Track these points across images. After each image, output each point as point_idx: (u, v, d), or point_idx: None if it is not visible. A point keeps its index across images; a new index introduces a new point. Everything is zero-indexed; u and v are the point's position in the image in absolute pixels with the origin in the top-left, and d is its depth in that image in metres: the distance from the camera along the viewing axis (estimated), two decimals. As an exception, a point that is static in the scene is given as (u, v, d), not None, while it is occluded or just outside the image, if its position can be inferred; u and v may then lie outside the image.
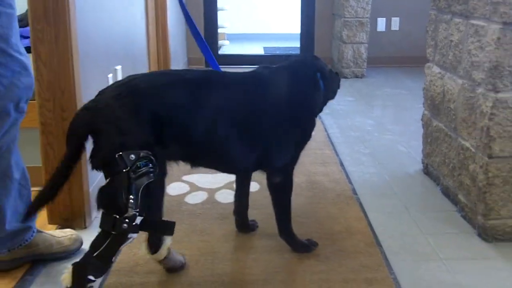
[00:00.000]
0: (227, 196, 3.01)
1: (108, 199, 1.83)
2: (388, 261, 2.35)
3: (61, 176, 1.90)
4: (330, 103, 2.61)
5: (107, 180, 1.82)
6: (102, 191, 1.83)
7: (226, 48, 8.81)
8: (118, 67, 3.30)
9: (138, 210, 1.79)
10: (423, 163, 3.42)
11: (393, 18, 7.20)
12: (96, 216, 2.76)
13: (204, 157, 2.13)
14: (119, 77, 3.30)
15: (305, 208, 2.88)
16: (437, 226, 2.71)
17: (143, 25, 4.11)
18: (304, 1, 7.21)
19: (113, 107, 1.85)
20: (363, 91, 5.89)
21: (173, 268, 2.27)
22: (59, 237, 2.40)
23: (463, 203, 2.76)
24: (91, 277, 1.81)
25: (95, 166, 1.86)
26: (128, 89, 1.91)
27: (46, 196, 1.90)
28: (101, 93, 1.95)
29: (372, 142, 4.08)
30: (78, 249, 2.42)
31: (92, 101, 1.92)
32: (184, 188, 3.13)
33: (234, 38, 9.47)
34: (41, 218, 2.66)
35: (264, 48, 8.78)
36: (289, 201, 2.39)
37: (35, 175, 2.83)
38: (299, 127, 2.28)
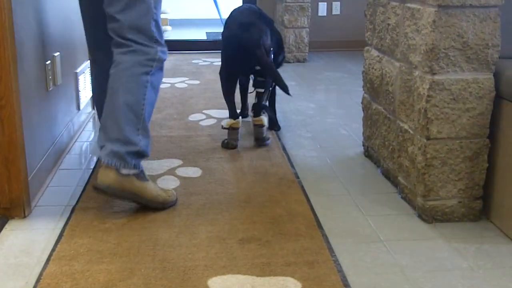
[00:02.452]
0: (169, 182, 2.99)
1: None
2: (329, 243, 2.37)
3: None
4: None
5: None
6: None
7: (169, 33, 8.74)
8: (57, 54, 3.23)
9: None
10: (363, 145, 3.46)
11: (334, 3, 7.25)
12: (35, 205, 2.71)
13: None
14: (58, 65, 3.24)
15: (247, 192, 2.88)
16: (378, 208, 2.75)
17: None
18: (245, -15, 7.21)
19: None
20: (305, 76, 5.91)
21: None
22: (160, 191, 2.72)
23: (402, 185, 2.81)
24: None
25: None
26: None
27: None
28: None
29: (314, 125, 4.11)
30: (173, 204, 2.73)
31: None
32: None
33: (177, 23, 9.39)
34: (-22, 208, 2.61)
35: (207, 33, 8.73)
36: None
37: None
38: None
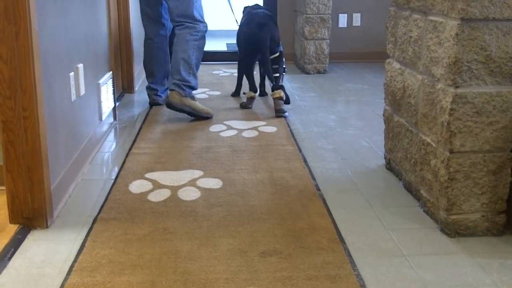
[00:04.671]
0: (190, 194, 2.99)
1: None
2: (351, 257, 2.36)
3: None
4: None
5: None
6: None
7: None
8: (80, 65, 3.26)
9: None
10: (385, 158, 3.45)
11: (354, 14, 7.24)
12: (57, 215, 2.73)
13: None
14: (81, 76, 3.26)
15: (268, 204, 2.88)
16: (400, 221, 2.73)
17: (105, 23, 4.07)
18: (266, -3, 7.24)
19: None
20: (325, 87, 5.91)
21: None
22: (204, 107, 4.51)
23: (425, 198, 2.79)
24: None
25: None
26: None
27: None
28: None
29: (335, 137, 4.10)
30: (211, 117, 4.50)
31: None
32: (147, 185, 3.11)
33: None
34: (3, 217, 2.64)
35: (227, 44, 8.76)
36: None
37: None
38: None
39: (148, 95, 4.92)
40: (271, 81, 4.69)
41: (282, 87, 4.74)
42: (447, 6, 2.48)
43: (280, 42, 4.87)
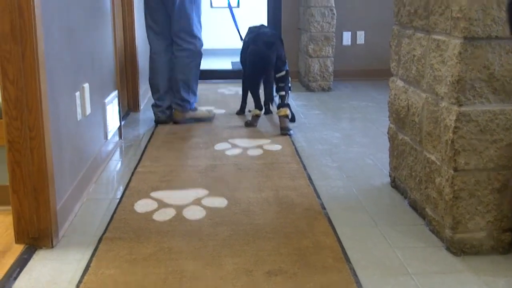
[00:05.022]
0: (195, 213, 3.00)
1: None
2: (357, 276, 2.36)
3: None
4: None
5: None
6: None
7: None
8: (86, 85, 3.28)
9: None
10: (390, 176, 3.45)
11: (358, 32, 7.26)
12: (63, 235, 2.74)
13: None
14: (87, 95, 3.28)
15: (273, 223, 2.88)
16: (405, 240, 2.73)
17: (111, 42, 4.09)
18: (270, 16, 7.27)
19: None
20: (330, 104, 5.92)
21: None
22: (204, 111, 5.14)
23: (430, 217, 2.79)
24: None
25: None
26: None
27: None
28: None
29: (339, 155, 4.10)
30: (213, 118, 5.13)
31: None
32: (152, 205, 3.11)
33: (202, 53, 9.42)
34: (8, 237, 2.65)
35: (232, 62, 8.79)
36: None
37: (1, 194, 2.82)
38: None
39: (153, 113, 5.04)
40: (270, 102, 4.96)
41: (288, 105, 4.78)
42: (450, 25, 2.49)
43: (287, 61, 4.94)
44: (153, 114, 5.06)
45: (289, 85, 4.91)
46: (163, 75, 5.01)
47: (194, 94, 4.98)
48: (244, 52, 5.15)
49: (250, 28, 5.31)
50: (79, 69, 3.21)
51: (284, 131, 4.63)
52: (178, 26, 4.81)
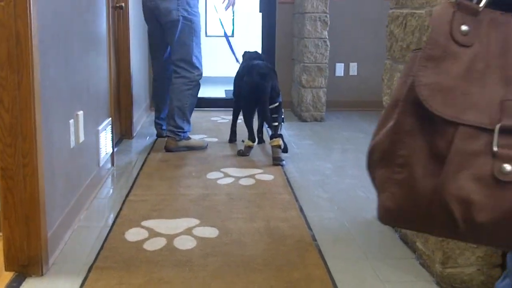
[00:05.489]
0: (186, 243, 2.99)
1: None
2: (347, 309, 2.36)
3: None
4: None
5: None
6: None
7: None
8: (80, 112, 3.29)
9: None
10: (381, 209, 3.45)
11: (351, 64, 7.33)
12: (53, 263, 2.73)
13: None
14: (81, 123, 3.29)
15: (264, 254, 2.88)
16: (396, 273, 2.73)
17: (105, 70, 4.12)
18: (264, 46, 7.34)
19: None
20: (322, 135, 5.95)
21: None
22: (198, 140, 5.19)
23: (421, 251, 2.80)
24: None
25: None
26: None
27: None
28: None
29: (331, 186, 4.12)
30: (206, 147, 5.13)
31: None
32: (143, 234, 3.11)
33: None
34: (-3, 265, 2.63)
35: (226, 91, 8.83)
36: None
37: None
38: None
39: (155, 128, 5.57)
40: (271, 128, 4.79)
41: (281, 136, 4.81)
42: (443, 61, 2.52)
43: (280, 93, 4.99)
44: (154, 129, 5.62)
45: (282, 116, 4.97)
46: (165, 98, 5.30)
47: (189, 122, 5.03)
48: (238, 80, 5.22)
49: (245, 53, 5.49)
50: (74, 96, 3.22)
51: (277, 161, 4.66)
52: (178, 56, 4.95)
